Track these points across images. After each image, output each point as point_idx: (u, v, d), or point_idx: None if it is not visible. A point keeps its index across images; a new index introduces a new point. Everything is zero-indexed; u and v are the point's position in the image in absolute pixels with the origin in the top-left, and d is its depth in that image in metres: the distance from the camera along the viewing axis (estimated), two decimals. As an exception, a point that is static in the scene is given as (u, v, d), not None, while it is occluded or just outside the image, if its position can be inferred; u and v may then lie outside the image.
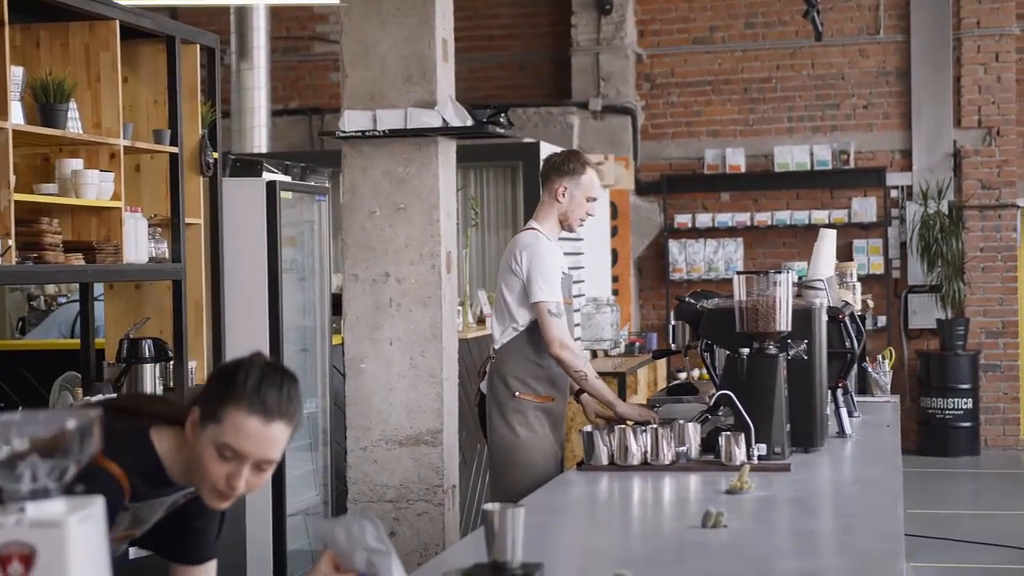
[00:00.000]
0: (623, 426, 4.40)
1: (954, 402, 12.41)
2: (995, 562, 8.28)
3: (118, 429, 2.65)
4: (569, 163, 5.41)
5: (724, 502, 3.66)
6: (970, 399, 12.43)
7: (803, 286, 5.25)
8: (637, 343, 11.46)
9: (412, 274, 5.90)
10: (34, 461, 1.77)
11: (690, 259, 13.12)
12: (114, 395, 5.13)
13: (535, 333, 5.26)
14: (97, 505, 1.81)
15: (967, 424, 12.45)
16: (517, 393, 5.29)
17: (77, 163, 5.16)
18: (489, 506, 2.77)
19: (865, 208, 12.82)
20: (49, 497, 1.77)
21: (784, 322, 4.46)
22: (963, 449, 12.41)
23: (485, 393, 5.43)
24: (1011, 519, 9.83)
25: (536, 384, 5.31)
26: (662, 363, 11.51)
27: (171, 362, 5.72)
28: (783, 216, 12.93)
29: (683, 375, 12.46)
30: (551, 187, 5.41)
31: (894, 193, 12.93)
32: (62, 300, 9.14)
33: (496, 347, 5.40)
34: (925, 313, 12.78)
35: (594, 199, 5.45)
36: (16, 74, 4.81)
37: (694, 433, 4.42)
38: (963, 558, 8.40)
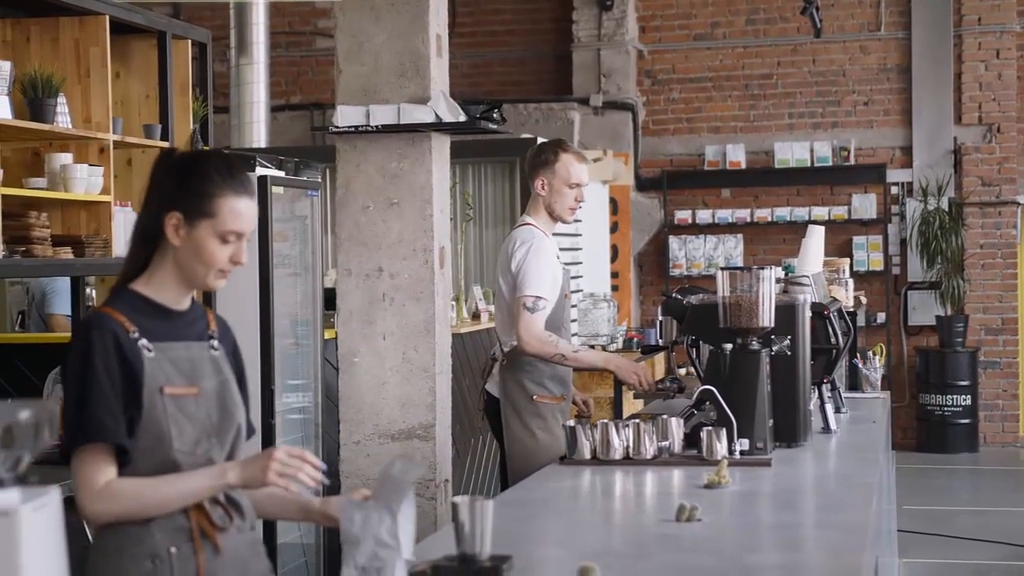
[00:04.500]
0: (606, 421, 4.42)
1: (953, 399, 12.41)
2: (990, 558, 8.29)
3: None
4: (541, 154, 5.40)
5: (701, 496, 3.67)
6: (969, 396, 12.44)
7: (789, 282, 5.26)
8: (636, 339, 11.46)
9: (405, 269, 5.91)
10: (-12, 450, 1.80)
11: (690, 255, 13.14)
12: None
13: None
14: (52, 495, 1.84)
15: (966, 421, 12.45)
16: (535, 396, 5.26)
17: (66, 157, 5.19)
18: (458, 499, 2.80)
19: (865, 205, 12.82)
20: (2, 487, 1.80)
21: (767, 318, 4.48)
22: (962, 446, 12.42)
23: (498, 396, 5.33)
24: (1008, 516, 9.83)
25: (551, 385, 5.29)
26: (661, 358, 11.52)
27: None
28: (783, 212, 12.94)
29: (683, 371, 12.48)
30: (532, 182, 5.41)
31: (894, 190, 12.93)
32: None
33: (506, 349, 5.32)
34: (925, 310, 12.79)
35: (577, 185, 5.37)
36: (4, 68, 4.83)
37: (677, 428, 4.43)
38: (958, 555, 8.42)
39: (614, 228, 12.66)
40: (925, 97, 12.83)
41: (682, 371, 12.55)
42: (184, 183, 2.84)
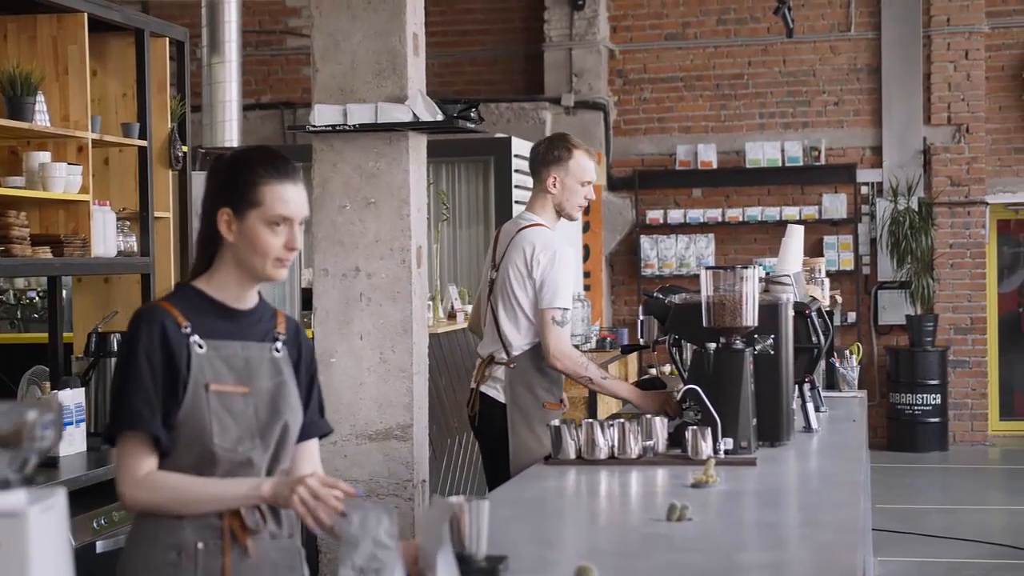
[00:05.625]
0: (591, 420, 4.41)
1: (923, 398, 12.48)
2: (963, 557, 8.33)
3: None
4: (553, 150, 5.17)
5: (689, 496, 3.67)
6: (939, 395, 12.51)
7: (770, 281, 5.27)
8: (609, 338, 11.48)
9: (382, 269, 5.90)
10: (-7, 451, 1.78)
11: (662, 255, 13.16)
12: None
13: None
14: (59, 497, 1.82)
15: (936, 420, 12.52)
16: (546, 403, 5.11)
17: (45, 156, 5.14)
18: (454, 499, 2.79)
19: (836, 204, 12.88)
20: (10, 488, 1.78)
21: (751, 317, 4.48)
22: (931, 444, 12.49)
23: (498, 400, 5.14)
24: (979, 514, 9.90)
25: (555, 390, 5.15)
26: (633, 358, 11.54)
27: (139, 356, 5.70)
28: (754, 212, 12.98)
29: (653, 370, 12.51)
30: (540, 178, 5.18)
31: (864, 190, 12.99)
32: (32, 294, 9.11)
33: (515, 352, 5.11)
34: (894, 309, 12.85)
35: (588, 182, 5.17)
36: (-18, 67, 4.79)
37: (661, 428, 4.43)
38: (931, 553, 8.46)
39: (586, 228, 12.67)
40: (895, 97, 12.90)
41: (653, 370, 12.62)
42: (229, 180, 2.93)
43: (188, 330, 2.87)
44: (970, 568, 8.08)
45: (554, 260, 5.03)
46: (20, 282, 9.02)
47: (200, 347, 2.87)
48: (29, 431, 1.78)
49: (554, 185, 5.16)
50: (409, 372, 5.89)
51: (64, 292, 7.47)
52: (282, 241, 2.90)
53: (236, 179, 2.92)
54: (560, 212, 5.22)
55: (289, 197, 2.90)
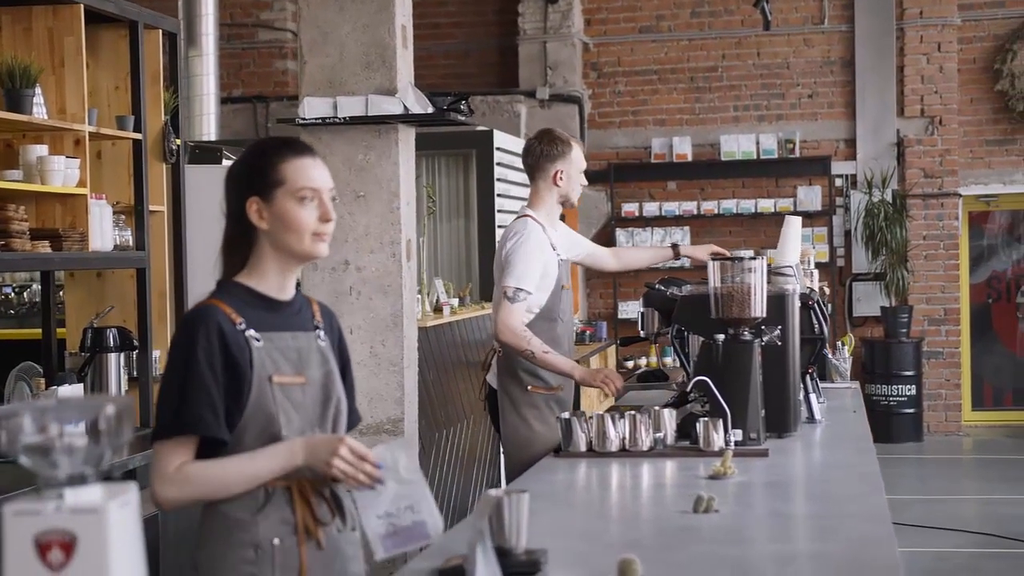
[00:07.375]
0: (601, 413, 4.40)
1: (898, 389, 12.54)
2: (947, 546, 8.38)
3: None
4: (556, 146, 5.37)
5: (707, 487, 3.66)
6: (913, 386, 12.57)
7: (772, 272, 5.27)
8: (587, 332, 11.50)
9: (372, 262, 5.88)
10: (71, 447, 1.75)
11: (637, 248, 13.16)
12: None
13: (540, 323, 5.20)
14: (132, 491, 1.79)
15: (910, 410, 12.59)
16: (529, 387, 5.24)
17: (42, 149, 5.08)
18: (494, 492, 2.77)
19: (810, 197, 12.92)
20: (87, 483, 1.75)
21: (759, 308, 4.48)
22: (907, 435, 12.56)
23: (495, 387, 5.32)
24: (956, 503, 9.97)
25: (546, 375, 5.24)
26: (611, 351, 11.56)
27: (135, 351, 5.65)
28: (730, 205, 12.99)
29: (630, 363, 12.52)
30: (545, 175, 5.37)
31: (839, 182, 13.04)
32: (7, 290, 9.03)
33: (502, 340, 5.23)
34: (869, 301, 12.91)
35: (583, 169, 5.48)
36: (-22, 59, 4.73)
37: (670, 419, 4.43)
38: (912, 542, 8.49)
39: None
40: (868, 90, 12.95)
41: (629, 363, 12.59)
42: (249, 171, 2.93)
43: (243, 326, 2.84)
44: (956, 557, 8.13)
45: (517, 243, 5.18)
46: (-3, 277, 8.94)
47: (257, 340, 2.85)
48: (107, 425, 1.75)
49: (560, 178, 5.35)
50: (400, 366, 5.88)
51: (38, 287, 7.39)
52: (315, 215, 2.88)
53: (255, 167, 2.92)
54: (564, 202, 5.45)
55: (310, 169, 2.90)
